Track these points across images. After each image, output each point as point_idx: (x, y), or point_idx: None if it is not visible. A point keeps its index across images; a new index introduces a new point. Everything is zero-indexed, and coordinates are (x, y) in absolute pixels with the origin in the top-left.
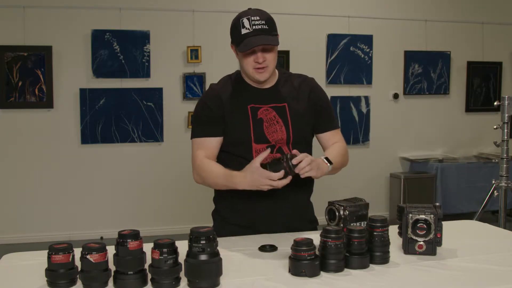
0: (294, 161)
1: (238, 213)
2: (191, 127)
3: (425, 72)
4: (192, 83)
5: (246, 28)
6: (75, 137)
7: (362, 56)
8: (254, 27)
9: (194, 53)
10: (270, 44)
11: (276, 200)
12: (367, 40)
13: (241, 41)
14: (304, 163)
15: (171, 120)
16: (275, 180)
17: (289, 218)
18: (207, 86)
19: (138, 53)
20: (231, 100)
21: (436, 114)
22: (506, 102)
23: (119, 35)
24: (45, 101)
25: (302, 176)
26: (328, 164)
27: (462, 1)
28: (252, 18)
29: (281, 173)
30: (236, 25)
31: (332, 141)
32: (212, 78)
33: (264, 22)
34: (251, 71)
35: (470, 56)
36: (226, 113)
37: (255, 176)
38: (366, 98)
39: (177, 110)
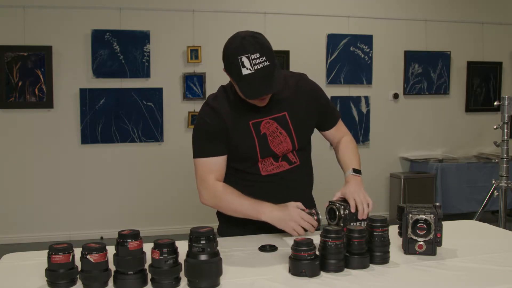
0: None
1: None
2: (192, 145)
3: (425, 72)
4: (192, 83)
5: (247, 69)
6: (75, 137)
7: (362, 56)
8: (255, 66)
9: (194, 53)
10: (275, 92)
11: (282, 201)
12: (367, 40)
13: (245, 85)
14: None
15: (171, 120)
16: (306, 227)
17: None
18: (207, 86)
19: (138, 53)
20: (230, 116)
21: (436, 114)
22: (506, 102)
23: (119, 35)
24: (45, 101)
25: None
26: (360, 176)
27: (462, 1)
28: (252, 56)
29: (315, 223)
30: (233, 61)
31: (338, 135)
32: (212, 78)
33: (264, 58)
34: (250, 100)
35: (470, 56)
36: (228, 129)
37: (291, 211)
38: (366, 98)
39: (177, 110)
